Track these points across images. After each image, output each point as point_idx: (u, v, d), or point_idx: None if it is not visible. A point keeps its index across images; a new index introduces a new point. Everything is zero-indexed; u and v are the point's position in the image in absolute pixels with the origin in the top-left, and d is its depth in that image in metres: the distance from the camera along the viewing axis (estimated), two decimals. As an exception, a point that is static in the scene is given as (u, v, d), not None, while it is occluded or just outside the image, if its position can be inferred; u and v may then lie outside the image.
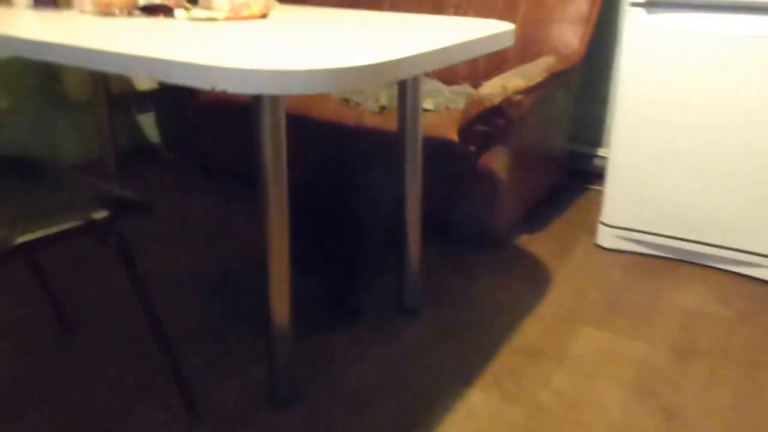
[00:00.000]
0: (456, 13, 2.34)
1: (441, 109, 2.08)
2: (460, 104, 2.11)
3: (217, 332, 1.58)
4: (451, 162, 1.92)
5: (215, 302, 1.71)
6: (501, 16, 2.29)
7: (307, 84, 0.84)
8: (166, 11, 1.38)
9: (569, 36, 2.19)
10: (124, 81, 2.56)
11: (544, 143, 2.19)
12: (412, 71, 0.98)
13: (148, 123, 2.81)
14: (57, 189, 1.10)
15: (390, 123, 1.98)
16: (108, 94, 2.13)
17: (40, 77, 2.36)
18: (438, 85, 2.33)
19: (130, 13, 1.39)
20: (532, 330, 1.60)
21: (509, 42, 1.37)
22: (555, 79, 2.04)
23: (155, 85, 2.68)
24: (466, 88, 2.26)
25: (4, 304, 1.69)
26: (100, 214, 0.99)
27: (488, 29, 1.30)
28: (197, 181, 2.56)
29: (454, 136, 1.89)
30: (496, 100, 1.78)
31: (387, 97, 2.12)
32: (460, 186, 1.94)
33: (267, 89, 0.84)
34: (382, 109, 2.05)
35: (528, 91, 1.86)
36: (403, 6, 2.46)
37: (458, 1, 2.35)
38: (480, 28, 1.30)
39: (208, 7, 1.52)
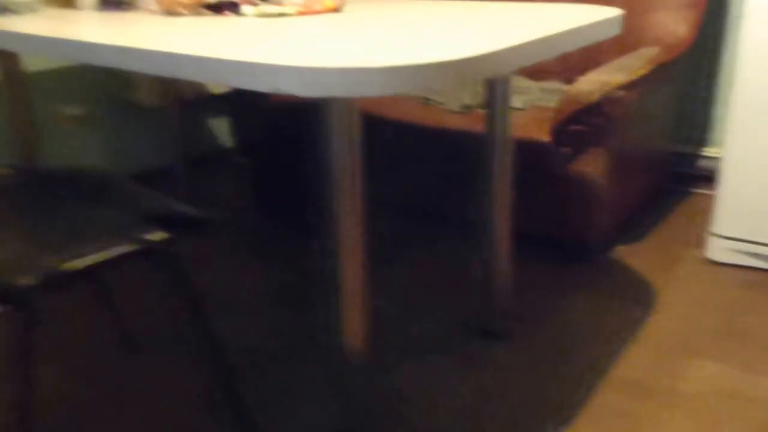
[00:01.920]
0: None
1: (530, 108, 1.90)
2: (551, 102, 1.92)
3: (286, 359, 1.47)
4: (541, 166, 1.74)
5: (285, 323, 1.61)
6: (594, 3, 2.07)
7: (384, 84, 0.70)
8: (233, 8, 1.28)
9: (674, 22, 1.96)
10: (198, 84, 2.51)
11: (645, 143, 1.97)
12: (509, 66, 0.83)
13: (221, 127, 2.76)
14: (113, 207, 1.02)
15: (475, 124, 1.82)
16: (181, 99, 2.08)
17: (114, 84, 2.34)
18: (526, 81, 2.14)
19: (196, 11, 1.30)
20: (635, 360, 1.41)
21: (616, 30, 1.19)
22: (659, 72, 1.82)
23: (229, 89, 2.62)
24: (557, 85, 2.06)
25: (63, 324, 1.65)
26: (158, 236, 0.89)
27: (591, 16, 1.12)
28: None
29: (545, 138, 1.71)
30: (595, 97, 1.59)
31: (470, 95, 1.96)
32: (551, 192, 1.76)
33: (338, 91, 0.71)
34: (466, 108, 1.89)
35: (630, 86, 1.66)
36: None
37: (546, -10, 2.16)
38: (582, 15, 1.12)
39: (279, 2, 1.41)
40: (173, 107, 2.20)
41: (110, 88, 2.35)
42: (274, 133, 2.40)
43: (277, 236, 2.06)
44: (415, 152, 1.97)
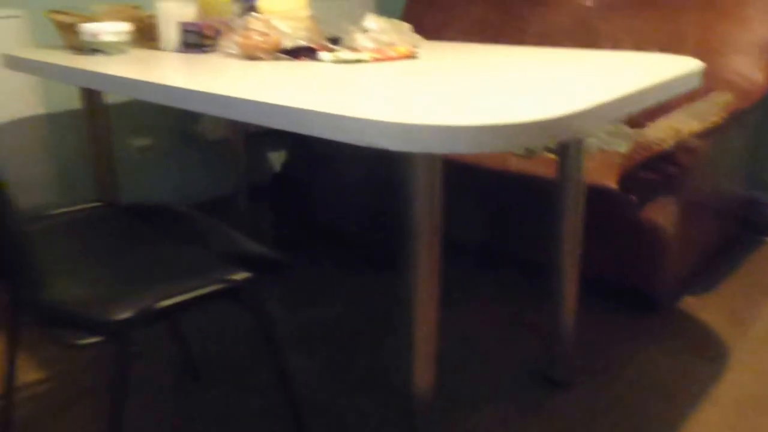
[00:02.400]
0: (614, 46, 2.13)
1: (595, 152, 1.88)
2: (618, 146, 1.89)
3: (347, 395, 1.47)
4: (607, 212, 1.71)
5: (345, 361, 1.61)
6: (664, 48, 2.05)
7: (479, 142, 0.71)
8: (310, 53, 1.32)
9: (748, 67, 1.91)
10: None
11: (717, 191, 1.92)
12: (598, 122, 0.82)
13: (278, 160, 2.82)
14: (195, 245, 1.05)
15: (538, 168, 1.81)
16: (245, 132, 2.15)
17: (178, 116, 2.43)
18: (589, 124, 2.12)
19: (275, 56, 1.34)
20: (709, 420, 1.35)
21: (696, 83, 1.17)
22: (734, 119, 1.77)
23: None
24: (623, 129, 2.04)
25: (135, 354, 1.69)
26: (242, 276, 0.91)
27: (674, 68, 1.11)
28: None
29: (612, 184, 1.68)
30: (667, 145, 1.56)
31: (534, 138, 1.95)
32: (617, 239, 1.72)
33: (431, 147, 0.72)
34: (530, 153, 1.88)
35: (704, 134, 1.62)
36: (552, 38, 2.29)
37: (615, 32, 2.14)
38: (665, 67, 1.11)
39: (352, 48, 1.44)
40: (237, 140, 2.27)
41: (175, 121, 2.43)
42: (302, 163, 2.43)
43: (304, 269, 2.07)
44: (477, 193, 1.96)
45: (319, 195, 2.32)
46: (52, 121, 2.12)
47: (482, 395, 1.44)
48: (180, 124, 2.45)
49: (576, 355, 1.58)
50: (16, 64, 1.61)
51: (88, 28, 1.45)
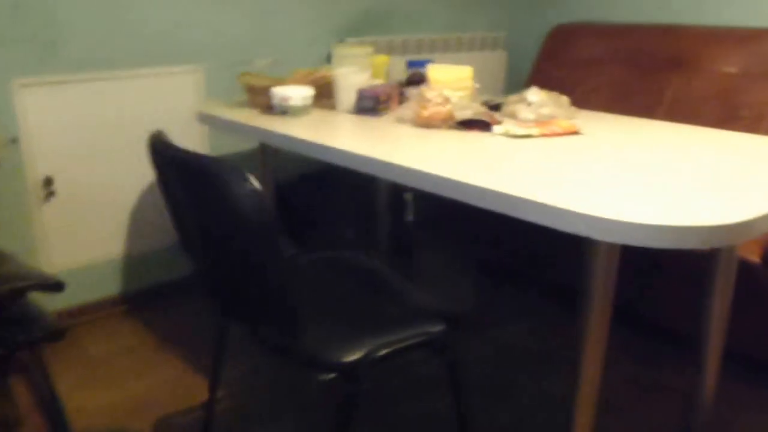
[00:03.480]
0: (755, 117, 2.14)
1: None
2: (760, 217, 1.90)
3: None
4: (749, 286, 1.72)
5: (490, 408, 1.70)
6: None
7: (686, 240, 0.81)
8: (483, 126, 1.45)
9: None
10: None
11: None
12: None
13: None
14: (393, 298, 1.19)
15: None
16: (387, 185, 2.32)
17: (308, 164, 2.61)
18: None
19: (448, 126, 1.48)
20: None
21: None
22: None
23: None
24: (765, 199, 2.04)
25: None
26: (439, 328, 1.05)
27: None
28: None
29: (755, 258, 1.70)
30: (820, 224, 1.57)
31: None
32: (758, 312, 1.73)
33: (633, 240, 0.83)
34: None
35: None
36: (688, 104, 2.32)
37: (758, 103, 2.15)
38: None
39: (512, 116, 1.57)
40: (381, 187, 2.43)
41: (306, 168, 2.61)
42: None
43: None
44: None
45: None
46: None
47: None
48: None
49: (715, 424, 1.60)
50: (206, 119, 1.80)
51: (279, 92, 1.64)
